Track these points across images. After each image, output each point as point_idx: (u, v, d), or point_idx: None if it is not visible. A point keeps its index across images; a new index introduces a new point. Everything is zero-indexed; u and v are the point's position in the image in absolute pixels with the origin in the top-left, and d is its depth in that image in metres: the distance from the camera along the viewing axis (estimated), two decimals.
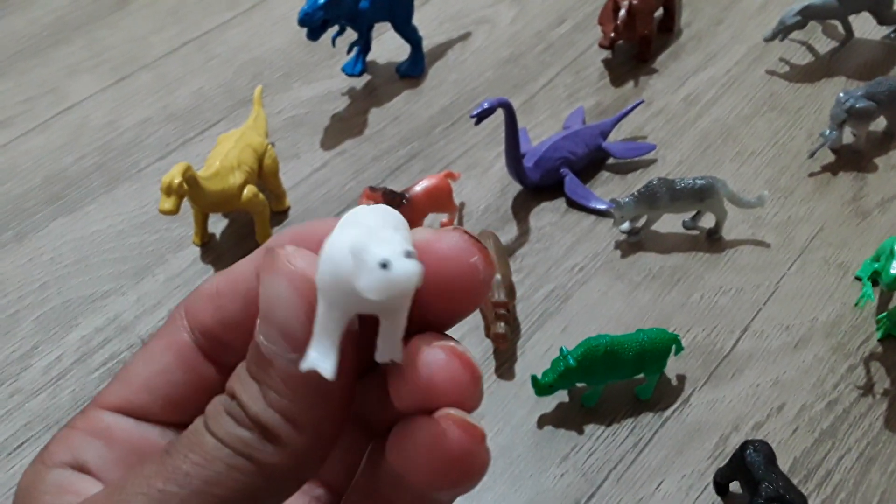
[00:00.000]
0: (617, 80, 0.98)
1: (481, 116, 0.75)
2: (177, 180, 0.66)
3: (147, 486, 0.23)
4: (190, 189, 0.69)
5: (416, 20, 1.02)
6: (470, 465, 0.23)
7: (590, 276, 0.78)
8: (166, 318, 0.28)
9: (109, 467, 0.27)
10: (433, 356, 0.23)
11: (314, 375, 0.22)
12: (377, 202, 0.73)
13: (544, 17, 1.07)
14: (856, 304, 0.68)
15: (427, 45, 1.02)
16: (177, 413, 0.29)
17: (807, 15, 0.95)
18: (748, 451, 0.60)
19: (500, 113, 0.78)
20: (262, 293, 0.24)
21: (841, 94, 0.85)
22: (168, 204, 0.66)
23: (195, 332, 0.28)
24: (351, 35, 0.97)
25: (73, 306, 0.76)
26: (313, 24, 0.86)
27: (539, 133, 0.92)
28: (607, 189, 0.86)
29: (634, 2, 0.94)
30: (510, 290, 0.71)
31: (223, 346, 0.27)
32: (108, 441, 0.28)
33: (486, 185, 0.86)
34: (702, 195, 0.77)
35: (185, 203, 0.74)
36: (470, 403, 0.23)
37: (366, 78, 0.99)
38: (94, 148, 0.91)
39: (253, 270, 0.26)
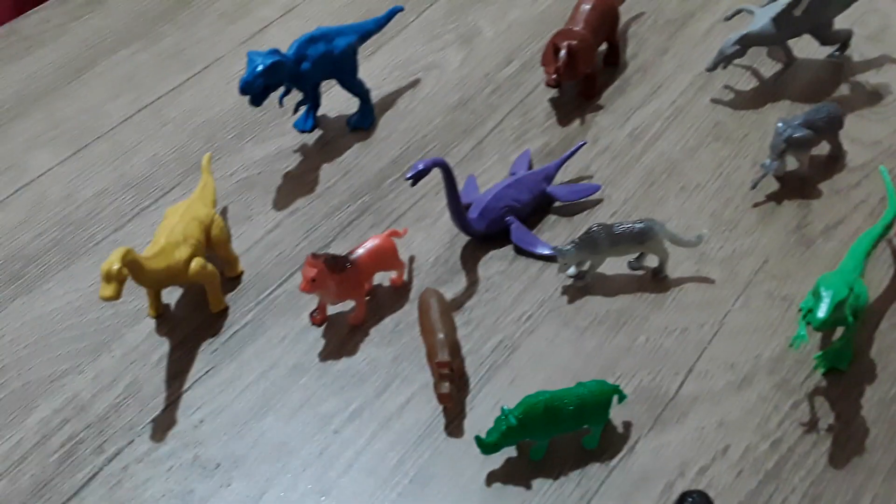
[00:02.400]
0: (564, 119, 0.99)
1: (416, 178, 0.76)
2: (115, 267, 0.68)
3: None
4: (131, 272, 0.70)
5: (365, 69, 1.04)
6: None
7: (537, 324, 0.79)
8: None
9: None
10: None
11: None
12: (319, 269, 0.74)
13: (492, 58, 1.08)
14: (790, 346, 0.68)
15: (377, 94, 1.04)
16: None
17: (745, 43, 0.96)
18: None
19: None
20: None
21: (780, 124, 0.86)
22: (108, 290, 0.67)
23: None
24: (299, 92, 0.98)
25: (33, 388, 0.78)
26: (254, 92, 0.87)
27: (488, 178, 0.93)
28: (555, 233, 0.87)
29: (573, 43, 0.95)
30: (454, 349, 0.72)
31: None
32: None
33: (435, 237, 0.88)
34: (641, 238, 0.78)
35: None
36: None
37: (317, 133, 1.00)
38: (52, 223, 0.93)
39: None
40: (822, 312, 0.63)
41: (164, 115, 1.05)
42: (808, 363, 0.73)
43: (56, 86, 1.10)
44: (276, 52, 0.89)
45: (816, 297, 0.65)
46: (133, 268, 0.71)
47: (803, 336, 0.67)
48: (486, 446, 0.67)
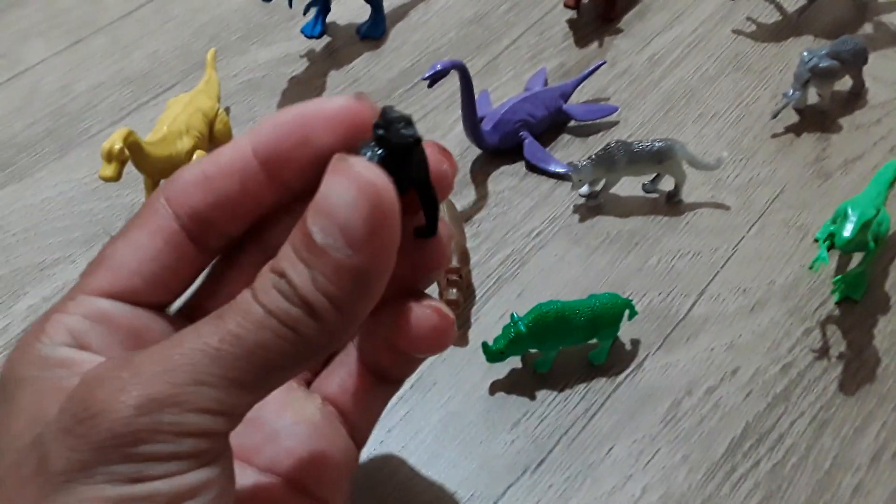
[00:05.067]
0: (581, 41, 0.96)
1: (434, 79, 0.73)
2: (117, 146, 0.65)
3: (204, 344, 0.28)
4: (133, 155, 0.67)
5: None
6: (444, 337, 0.36)
7: (547, 240, 0.77)
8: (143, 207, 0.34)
9: (113, 349, 0.31)
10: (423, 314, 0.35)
11: (363, 269, 0.28)
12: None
13: None
14: (810, 267, 0.67)
15: (389, 5, 1.00)
16: (168, 294, 0.34)
17: None
18: None
19: (456, 76, 0.76)
20: (326, 192, 0.28)
21: (804, 53, 0.83)
22: (108, 171, 0.64)
23: (182, 216, 0.33)
24: None
25: (21, 275, 0.75)
26: None
27: (501, 95, 0.90)
28: (568, 152, 0.85)
29: None
30: (464, 256, 0.70)
31: (210, 228, 0.33)
32: (109, 325, 0.32)
33: None
34: (660, 157, 0.76)
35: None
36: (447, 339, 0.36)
37: (325, 40, 0.97)
38: (45, 113, 0.89)
39: (247, 153, 0.32)
40: (847, 231, 0.61)
41: (167, 11, 1.01)
42: (821, 291, 0.72)
43: None
44: None
45: (842, 218, 0.63)
46: (134, 151, 0.68)
47: (824, 258, 0.66)
48: (492, 354, 0.65)
